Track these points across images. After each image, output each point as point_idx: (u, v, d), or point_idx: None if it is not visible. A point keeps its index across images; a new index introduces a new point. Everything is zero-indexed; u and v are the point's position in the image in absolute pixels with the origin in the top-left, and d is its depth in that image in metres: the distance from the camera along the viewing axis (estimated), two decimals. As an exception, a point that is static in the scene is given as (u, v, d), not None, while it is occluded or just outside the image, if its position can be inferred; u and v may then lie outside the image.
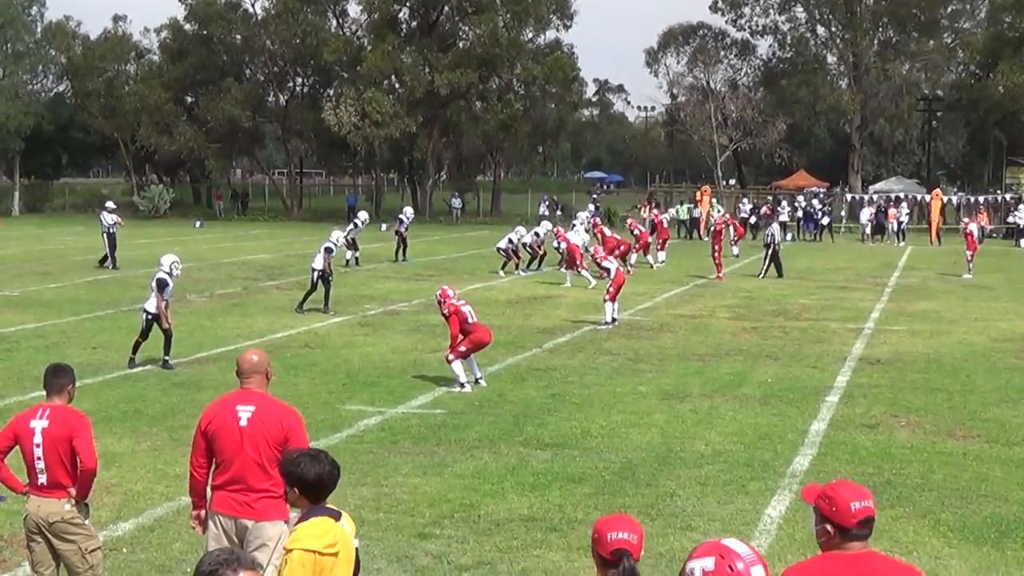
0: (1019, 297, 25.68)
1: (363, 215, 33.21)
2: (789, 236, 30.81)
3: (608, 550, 4.13)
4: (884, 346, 18.20)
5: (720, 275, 29.04)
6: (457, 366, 14.29)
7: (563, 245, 28.74)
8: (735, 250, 36.88)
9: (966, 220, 34.96)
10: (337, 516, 4.82)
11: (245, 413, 6.23)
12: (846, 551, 4.09)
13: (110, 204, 33.10)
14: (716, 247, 29.75)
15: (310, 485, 4.90)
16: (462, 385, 14.27)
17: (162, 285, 15.66)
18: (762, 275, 29.38)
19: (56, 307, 22.29)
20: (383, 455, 11.05)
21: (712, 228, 32.08)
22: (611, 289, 20.17)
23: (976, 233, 32.23)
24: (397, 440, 11.67)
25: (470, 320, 14.41)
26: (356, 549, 4.95)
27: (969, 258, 30.76)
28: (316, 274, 21.89)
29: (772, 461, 10.94)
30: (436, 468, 10.59)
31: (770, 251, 29.89)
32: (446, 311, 14.41)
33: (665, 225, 36.96)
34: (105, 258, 30.88)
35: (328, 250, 22.24)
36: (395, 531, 8.73)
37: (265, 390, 6.42)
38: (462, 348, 14.30)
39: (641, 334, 19.39)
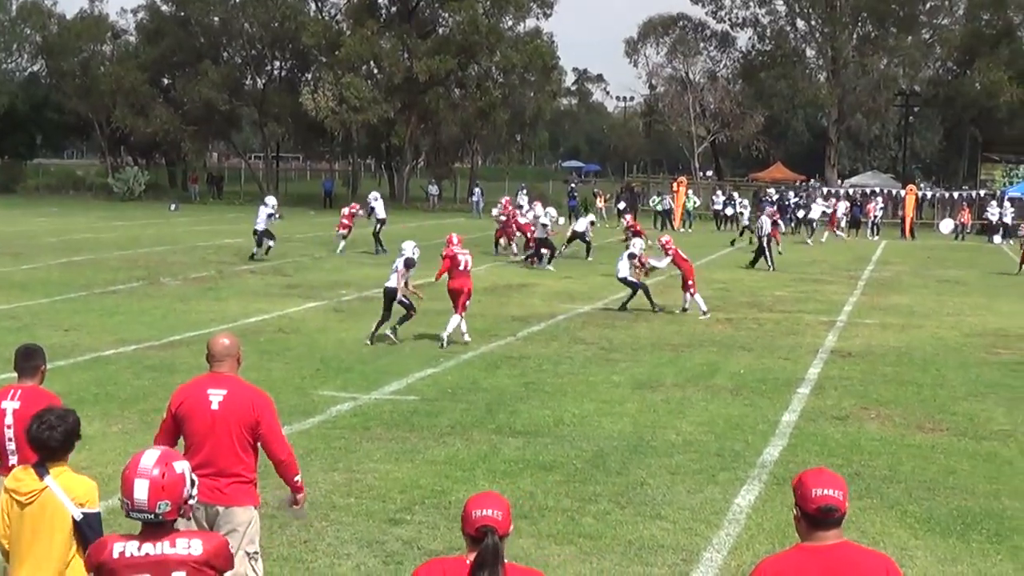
0: (991, 293, 25.89)
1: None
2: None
3: (474, 527, 4.02)
4: (856, 339, 18.32)
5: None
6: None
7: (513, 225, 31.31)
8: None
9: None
10: (41, 474, 5.13)
11: (216, 397, 6.18)
12: (818, 542, 4.12)
13: None
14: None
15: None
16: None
17: (409, 264, 16.69)
18: (771, 268, 29.60)
19: (28, 288, 22.12)
20: (355, 441, 11.05)
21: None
22: (690, 283, 20.78)
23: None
24: (369, 426, 11.67)
25: (459, 268, 16.38)
26: (76, 521, 5.12)
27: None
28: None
29: (743, 451, 11.01)
30: (408, 454, 10.60)
31: (759, 244, 30.06)
32: (444, 252, 16.57)
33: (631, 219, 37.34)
34: None
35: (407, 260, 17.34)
36: (366, 516, 8.74)
37: (236, 374, 6.39)
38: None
39: (615, 323, 19.45)
